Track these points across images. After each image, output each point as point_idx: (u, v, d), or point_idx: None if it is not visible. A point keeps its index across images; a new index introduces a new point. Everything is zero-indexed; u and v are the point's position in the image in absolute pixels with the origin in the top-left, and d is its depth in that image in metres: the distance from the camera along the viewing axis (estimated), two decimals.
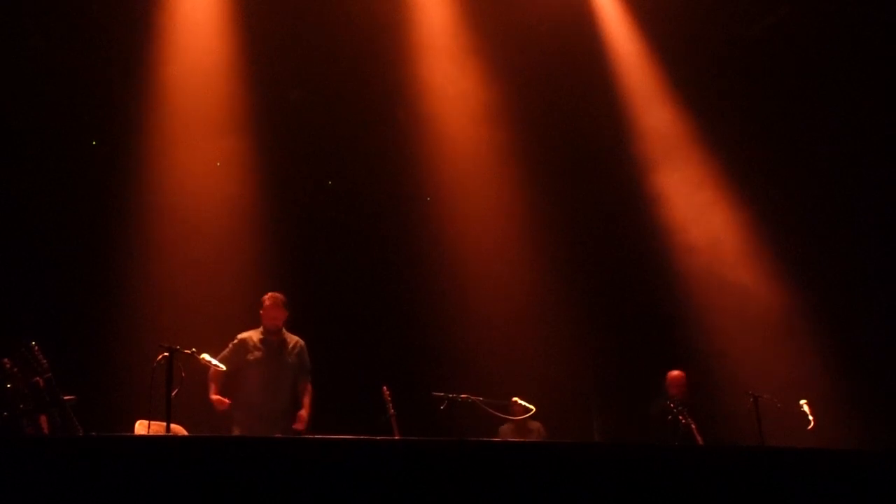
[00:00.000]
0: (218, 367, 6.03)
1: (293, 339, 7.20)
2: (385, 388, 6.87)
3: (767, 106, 9.31)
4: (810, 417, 7.14)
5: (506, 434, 8.55)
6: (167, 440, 5.00)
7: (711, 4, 9.03)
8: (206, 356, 6.05)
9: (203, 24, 8.68)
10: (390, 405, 6.78)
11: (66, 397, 5.61)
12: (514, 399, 7.95)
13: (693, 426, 7.28)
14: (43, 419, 5.65)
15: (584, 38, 9.41)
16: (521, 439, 8.07)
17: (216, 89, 8.77)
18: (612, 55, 9.59)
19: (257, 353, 7.00)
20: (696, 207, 9.48)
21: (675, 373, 8.48)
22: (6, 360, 5.59)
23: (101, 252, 8.22)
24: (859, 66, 8.81)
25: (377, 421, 6.73)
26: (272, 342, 7.08)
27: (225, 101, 8.81)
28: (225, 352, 6.92)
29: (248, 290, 8.27)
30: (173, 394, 5.62)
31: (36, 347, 5.64)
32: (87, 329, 7.99)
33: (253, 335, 7.09)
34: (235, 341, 7.04)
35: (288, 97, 9.27)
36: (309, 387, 7.07)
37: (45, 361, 5.60)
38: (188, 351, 5.87)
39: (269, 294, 7.19)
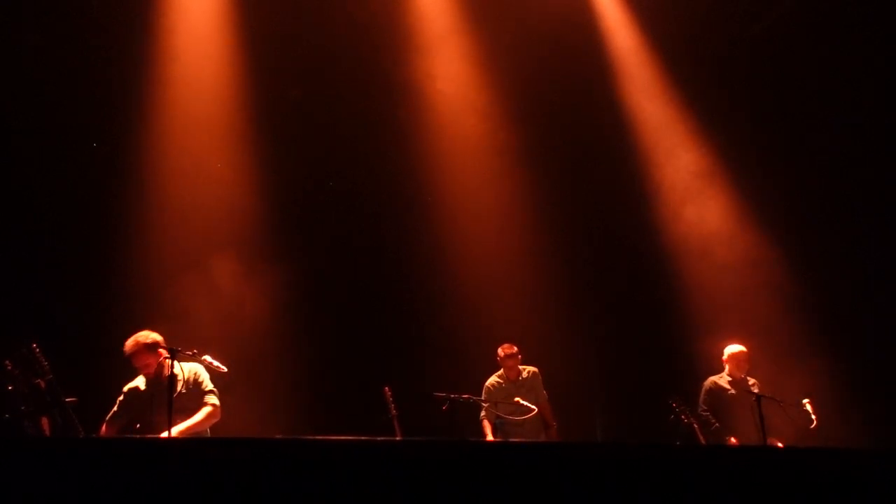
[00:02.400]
0: (220, 368, 6.01)
1: (184, 371, 6.18)
2: (387, 388, 6.85)
3: (767, 102, 9.32)
4: (813, 417, 7.14)
5: (492, 386, 7.98)
6: (168, 441, 5.00)
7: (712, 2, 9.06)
8: (207, 357, 6.05)
9: (203, 24, 8.68)
10: (392, 406, 6.77)
11: (67, 399, 5.61)
12: (516, 399, 7.93)
13: (695, 425, 7.25)
14: (44, 420, 5.66)
15: (584, 33, 9.41)
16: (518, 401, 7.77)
17: (216, 89, 8.77)
18: (611, 51, 9.60)
19: (143, 403, 6.10)
20: (696, 205, 9.47)
21: (737, 349, 7.85)
22: (7, 361, 5.59)
23: (101, 253, 8.20)
24: (859, 60, 8.83)
25: (379, 421, 6.72)
26: (159, 384, 6.06)
27: (225, 102, 8.81)
28: (117, 408, 6.16)
29: (248, 290, 8.29)
30: (174, 395, 5.64)
31: (37, 349, 5.64)
32: (88, 330, 7.97)
33: (139, 384, 6.22)
34: (121, 397, 6.22)
35: (288, 97, 9.25)
36: (211, 410, 6.11)
37: (46, 363, 5.60)
38: (190, 352, 5.87)
39: (133, 337, 6.16)
